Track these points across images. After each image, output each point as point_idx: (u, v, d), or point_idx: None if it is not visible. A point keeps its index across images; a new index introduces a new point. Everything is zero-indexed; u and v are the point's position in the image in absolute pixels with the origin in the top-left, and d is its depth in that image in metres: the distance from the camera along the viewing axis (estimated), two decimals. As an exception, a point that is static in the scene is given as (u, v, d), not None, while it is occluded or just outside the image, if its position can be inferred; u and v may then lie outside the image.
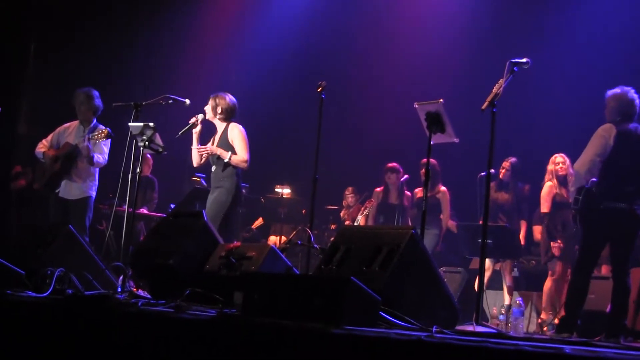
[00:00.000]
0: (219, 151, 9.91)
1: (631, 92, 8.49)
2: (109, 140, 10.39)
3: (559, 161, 11.09)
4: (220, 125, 10.17)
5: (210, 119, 10.15)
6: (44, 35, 14.38)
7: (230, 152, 9.92)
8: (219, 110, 10.13)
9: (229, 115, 10.20)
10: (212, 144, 10.11)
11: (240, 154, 10.01)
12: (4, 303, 6.44)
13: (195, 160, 10.13)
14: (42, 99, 14.12)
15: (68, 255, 7.96)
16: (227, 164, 9.95)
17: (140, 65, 15.38)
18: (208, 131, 10.21)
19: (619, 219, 8.20)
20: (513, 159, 11.91)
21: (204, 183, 13.34)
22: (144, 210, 12.87)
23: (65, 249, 8.13)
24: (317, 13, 15.56)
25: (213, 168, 10.07)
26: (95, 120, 10.64)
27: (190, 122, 9.90)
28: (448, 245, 12.40)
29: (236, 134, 10.12)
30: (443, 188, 12.22)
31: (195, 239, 7.42)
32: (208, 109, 10.14)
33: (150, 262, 7.56)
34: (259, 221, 14.68)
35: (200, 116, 10.00)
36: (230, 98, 10.14)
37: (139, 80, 14.76)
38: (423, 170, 9.44)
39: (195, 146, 10.05)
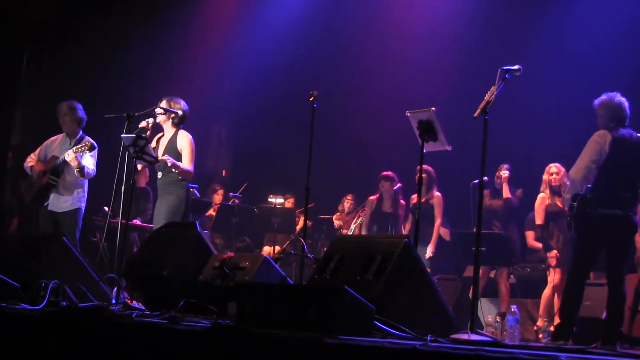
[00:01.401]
0: (177, 163, 9.75)
1: (617, 97, 8.48)
2: (96, 150, 10.37)
3: (552, 171, 11.07)
4: (169, 130, 9.99)
5: (161, 122, 9.93)
6: (37, 45, 14.37)
7: (180, 163, 9.80)
8: (172, 114, 10.01)
9: (180, 121, 10.02)
10: (157, 147, 9.98)
11: (187, 165, 9.80)
12: (-2, 316, 6.44)
13: (140, 165, 9.93)
14: (35, 109, 14.10)
15: (62, 267, 7.96)
16: (172, 173, 9.86)
17: (133, 75, 15.37)
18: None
19: (614, 225, 8.18)
20: (506, 167, 11.92)
21: (197, 194, 13.32)
22: (138, 221, 12.85)
23: (59, 261, 8.12)
24: (309, 21, 15.57)
25: (159, 175, 9.93)
26: (81, 132, 10.62)
27: (140, 126, 9.61)
28: (441, 253, 12.37)
29: (186, 143, 9.89)
30: (437, 193, 12.19)
31: (188, 250, 7.43)
32: (160, 111, 9.99)
33: (144, 273, 7.56)
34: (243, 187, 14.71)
35: (151, 120, 9.72)
36: (184, 104, 10.00)
37: (132, 90, 14.75)
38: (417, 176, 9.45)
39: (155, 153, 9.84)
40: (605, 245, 8.39)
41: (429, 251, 11.93)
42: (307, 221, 9.42)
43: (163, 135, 10.04)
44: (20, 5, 13.89)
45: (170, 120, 10.00)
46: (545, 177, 11.12)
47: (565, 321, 8.36)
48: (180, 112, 9.90)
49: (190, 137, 9.98)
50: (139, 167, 9.85)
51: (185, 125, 10.08)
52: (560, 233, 10.85)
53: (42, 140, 10.86)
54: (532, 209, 11.30)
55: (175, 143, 9.91)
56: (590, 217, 8.22)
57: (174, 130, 10.01)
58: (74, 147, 10.16)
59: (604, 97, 8.50)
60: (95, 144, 10.27)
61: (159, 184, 9.95)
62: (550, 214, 10.99)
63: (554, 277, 10.88)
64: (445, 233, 12.35)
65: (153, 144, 9.85)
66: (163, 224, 9.02)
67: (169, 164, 9.58)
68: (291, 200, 14.85)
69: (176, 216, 9.65)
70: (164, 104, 9.97)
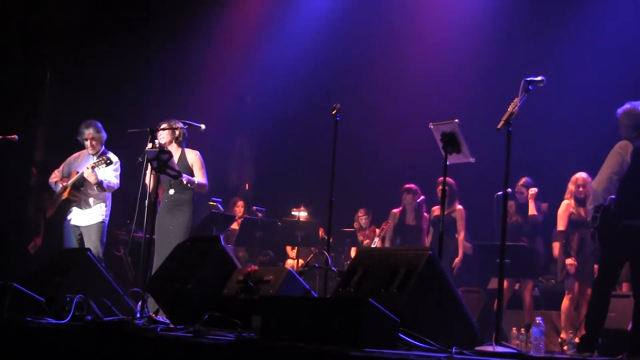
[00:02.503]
0: (192, 179, 9.88)
1: None
2: (118, 164, 10.45)
3: (579, 183, 10.99)
4: (175, 150, 10.10)
5: (165, 144, 10.05)
6: (59, 62, 14.45)
7: (194, 178, 9.95)
8: (176, 134, 10.13)
9: (183, 140, 10.24)
10: None
11: (202, 180, 10.05)
12: (24, 330, 6.46)
13: (152, 187, 9.98)
14: (58, 125, 14.17)
15: (87, 282, 7.99)
16: (188, 189, 10.00)
17: (155, 90, 15.42)
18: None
19: (639, 236, 8.13)
20: (529, 182, 11.89)
21: (221, 208, 13.35)
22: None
23: (84, 276, 8.15)
24: (331, 34, 15.58)
25: (171, 192, 10.05)
26: (103, 147, 10.68)
27: (147, 149, 9.73)
28: (464, 266, 12.33)
29: (196, 158, 10.18)
30: (459, 207, 12.18)
31: (212, 264, 7.42)
32: (164, 134, 10.08)
33: (169, 287, 7.57)
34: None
35: (156, 142, 9.89)
36: (182, 123, 10.10)
37: (154, 106, 14.80)
38: (440, 188, 9.43)
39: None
40: (630, 257, 8.33)
41: (455, 265, 11.94)
42: (329, 236, 9.40)
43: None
44: (42, 22, 13.98)
45: (174, 140, 10.10)
46: (571, 187, 11.05)
47: (590, 333, 8.30)
48: (202, 127, 9.97)
49: (198, 152, 10.21)
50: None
51: (207, 139, 10.17)
52: (583, 243, 10.78)
53: (66, 156, 10.94)
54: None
55: (186, 161, 10.15)
56: (615, 228, 8.17)
57: (179, 149, 10.20)
58: (91, 162, 10.23)
59: (627, 106, 8.45)
60: (115, 158, 10.33)
61: (170, 200, 10.07)
62: (574, 222, 10.91)
63: (572, 287, 10.84)
64: (468, 247, 12.32)
65: None
66: (180, 240, 9.09)
67: (185, 182, 9.73)
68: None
69: (186, 235, 9.77)
70: (164, 126, 10.06)
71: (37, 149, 14.29)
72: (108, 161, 10.20)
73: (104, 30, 14.56)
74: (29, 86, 13.66)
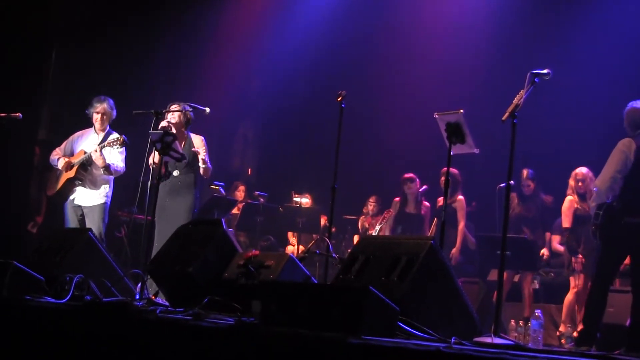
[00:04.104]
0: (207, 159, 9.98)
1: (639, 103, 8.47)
2: (124, 147, 10.42)
3: (578, 178, 10.99)
4: (182, 135, 10.20)
5: (177, 128, 10.11)
6: (65, 41, 14.41)
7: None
8: (184, 119, 10.18)
9: (189, 124, 10.32)
10: None
11: (208, 164, 10.11)
12: (23, 309, 6.47)
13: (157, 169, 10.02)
14: (63, 105, 14.16)
15: (87, 262, 7.99)
16: (192, 172, 10.04)
17: (161, 72, 15.40)
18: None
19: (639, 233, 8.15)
20: (530, 173, 11.89)
21: (223, 192, 13.35)
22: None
23: (85, 256, 8.15)
24: (337, 21, 15.55)
25: (175, 173, 10.10)
26: (109, 127, 10.66)
27: (161, 126, 9.75)
28: (465, 257, 12.33)
29: (201, 143, 10.26)
30: (460, 197, 12.17)
31: (214, 247, 7.42)
32: (176, 115, 10.12)
33: (169, 269, 7.58)
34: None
35: (172, 120, 10.09)
36: (187, 106, 10.12)
37: (160, 88, 14.78)
38: (443, 179, 9.42)
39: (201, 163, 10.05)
40: (631, 254, 8.36)
41: (453, 255, 11.93)
42: (330, 223, 9.40)
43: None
44: (48, 1, 13.93)
45: (183, 124, 10.12)
46: (571, 182, 11.05)
47: (588, 327, 8.33)
48: (207, 110, 9.98)
49: (203, 137, 10.33)
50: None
51: (211, 122, 10.20)
52: (587, 239, 10.78)
53: (69, 135, 10.90)
54: (561, 213, 11.26)
55: (193, 145, 10.18)
56: (616, 225, 8.20)
57: (186, 133, 10.25)
58: (105, 143, 10.19)
59: (634, 103, 8.48)
60: (127, 140, 10.30)
61: (174, 182, 10.12)
62: (579, 218, 10.90)
63: (577, 282, 10.83)
64: (472, 243, 12.29)
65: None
66: (182, 222, 9.10)
67: (202, 157, 9.94)
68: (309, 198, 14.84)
69: (190, 217, 9.83)
70: (175, 107, 10.07)
71: (41, 127, 14.25)
72: (124, 142, 10.15)
73: (111, 10, 14.52)
74: (34, 65, 13.60)
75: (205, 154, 10.12)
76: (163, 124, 9.83)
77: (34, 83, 13.61)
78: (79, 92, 13.04)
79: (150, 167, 9.32)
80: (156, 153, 8.74)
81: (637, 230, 8.13)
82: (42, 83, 14.16)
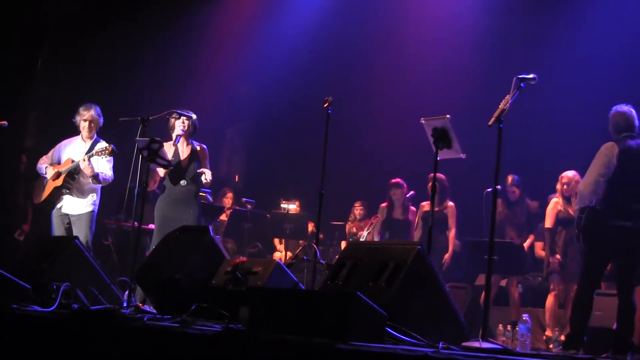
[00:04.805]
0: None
1: (622, 107, 8.54)
2: (112, 156, 10.37)
3: (564, 182, 11.06)
4: (185, 143, 10.23)
5: (184, 136, 10.15)
6: (52, 49, 14.40)
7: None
8: (192, 128, 10.20)
9: (194, 133, 10.33)
10: (181, 159, 10.14)
11: (210, 174, 10.10)
12: (10, 317, 6.44)
13: (163, 171, 10.06)
14: (49, 112, 14.13)
15: (74, 270, 7.98)
16: (197, 183, 10.08)
17: (147, 78, 15.36)
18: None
19: (624, 236, 8.18)
20: (515, 179, 11.93)
21: (210, 198, 13.34)
22: (152, 226, 12.84)
23: (72, 264, 8.14)
24: (323, 28, 15.56)
25: (183, 182, 10.08)
26: (96, 135, 10.63)
27: (176, 134, 9.93)
28: (452, 262, 12.33)
29: (205, 153, 10.26)
30: (451, 203, 12.17)
31: (201, 254, 7.43)
32: (187, 123, 10.13)
33: (157, 277, 7.57)
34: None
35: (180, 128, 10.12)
36: (176, 112, 10.15)
37: (146, 94, 14.76)
38: (430, 184, 9.43)
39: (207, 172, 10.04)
40: (615, 257, 8.41)
41: (445, 261, 11.93)
42: (318, 229, 9.40)
43: (176, 147, 10.14)
44: (36, 6, 13.91)
45: (191, 133, 10.15)
46: (558, 185, 11.12)
47: (575, 330, 8.35)
48: (194, 117, 9.98)
49: (205, 146, 10.31)
50: (161, 172, 9.96)
51: (198, 128, 10.22)
52: (569, 241, 10.83)
53: (56, 143, 10.86)
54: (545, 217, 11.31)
55: (197, 154, 10.20)
56: (600, 229, 8.24)
57: (189, 142, 10.24)
58: (93, 152, 10.15)
59: (618, 107, 8.54)
60: (115, 149, 10.25)
61: (182, 192, 10.08)
62: (562, 220, 10.97)
63: (556, 284, 10.89)
64: (457, 245, 12.31)
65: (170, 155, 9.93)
66: None
67: (208, 179, 9.98)
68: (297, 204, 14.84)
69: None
70: (183, 118, 10.08)
71: (27, 135, 14.22)
72: (112, 151, 10.10)
73: (98, 17, 14.51)
74: (20, 71, 13.58)
75: (208, 163, 10.16)
76: (178, 131, 9.92)
77: (20, 91, 13.59)
78: (65, 100, 13.03)
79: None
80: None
81: (620, 233, 8.17)
82: (28, 90, 14.13)
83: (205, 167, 10.05)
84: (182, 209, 10.01)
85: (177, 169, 9.98)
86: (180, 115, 9.86)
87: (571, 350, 8.16)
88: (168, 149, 9.85)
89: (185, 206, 10.04)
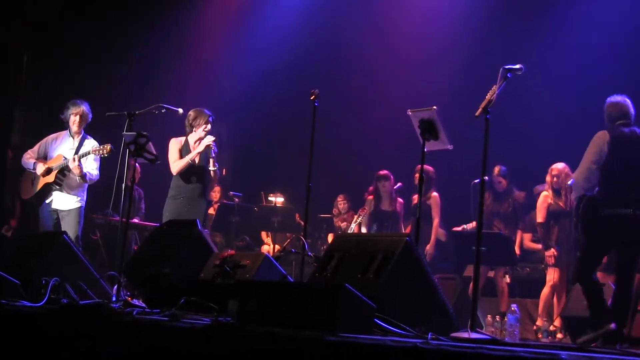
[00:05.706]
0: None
1: (614, 97, 8.54)
2: (100, 155, 10.32)
3: (553, 174, 11.08)
4: (192, 139, 10.31)
5: (198, 134, 10.21)
6: (38, 45, 14.36)
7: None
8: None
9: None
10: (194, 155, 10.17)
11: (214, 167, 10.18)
12: (-2, 313, 6.44)
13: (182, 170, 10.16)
14: (36, 109, 14.09)
15: (63, 265, 7.97)
16: (204, 180, 10.19)
17: (134, 74, 15.33)
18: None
19: (623, 224, 8.15)
20: (502, 169, 11.95)
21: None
22: (136, 220, 12.84)
23: (60, 259, 8.13)
24: (310, 20, 15.53)
25: (195, 179, 10.09)
26: (83, 132, 10.60)
27: (206, 144, 10.19)
28: (439, 253, 12.35)
29: (211, 148, 10.30)
30: (435, 194, 12.16)
31: (189, 248, 7.43)
32: (208, 128, 10.30)
33: (145, 271, 7.56)
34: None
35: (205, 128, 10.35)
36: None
37: (133, 89, 14.73)
38: (417, 175, 9.44)
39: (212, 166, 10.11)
40: (615, 245, 8.39)
41: (427, 252, 11.93)
42: (306, 222, 9.40)
43: (186, 140, 10.21)
44: (21, 5, 13.87)
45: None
46: (547, 178, 11.14)
47: (597, 318, 8.20)
48: (180, 112, 9.99)
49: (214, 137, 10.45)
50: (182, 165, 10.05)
51: (185, 123, 10.24)
52: (562, 233, 10.86)
53: (42, 138, 10.82)
54: (534, 210, 11.33)
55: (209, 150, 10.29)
56: (598, 217, 8.23)
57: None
58: (90, 150, 10.12)
59: (612, 97, 8.58)
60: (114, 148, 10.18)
61: (192, 188, 10.11)
62: (552, 213, 11.00)
63: (552, 276, 10.89)
64: (442, 234, 12.34)
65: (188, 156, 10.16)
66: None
67: (212, 168, 10.11)
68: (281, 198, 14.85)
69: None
70: (193, 115, 10.22)
71: (13, 132, 14.19)
72: (111, 151, 10.03)
73: (83, 14, 14.47)
74: (6, 69, 13.56)
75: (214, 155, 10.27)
76: (207, 142, 10.17)
77: (6, 87, 13.56)
78: (51, 96, 12.99)
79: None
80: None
81: (619, 221, 8.16)
82: (14, 87, 14.10)
83: (212, 161, 10.16)
84: (192, 207, 10.02)
85: (191, 167, 10.10)
86: (167, 109, 9.83)
87: (610, 343, 7.96)
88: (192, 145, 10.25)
89: (194, 204, 10.07)
